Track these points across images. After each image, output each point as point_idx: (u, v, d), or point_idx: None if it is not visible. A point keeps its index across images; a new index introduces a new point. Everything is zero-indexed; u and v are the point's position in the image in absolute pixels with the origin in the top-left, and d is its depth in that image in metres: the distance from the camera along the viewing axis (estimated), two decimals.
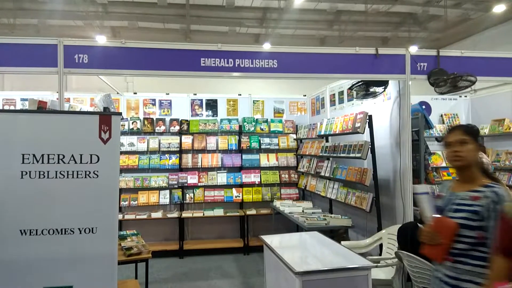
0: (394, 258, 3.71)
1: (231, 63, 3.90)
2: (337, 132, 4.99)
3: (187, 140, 6.54)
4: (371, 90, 4.63)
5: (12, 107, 6.15)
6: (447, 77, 4.19)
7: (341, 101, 5.69)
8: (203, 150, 6.59)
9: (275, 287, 3.39)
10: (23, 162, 3.19)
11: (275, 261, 3.23)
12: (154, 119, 6.53)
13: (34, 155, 3.20)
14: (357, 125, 4.48)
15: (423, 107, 5.56)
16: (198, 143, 6.55)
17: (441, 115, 6.28)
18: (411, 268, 3.11)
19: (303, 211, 5.17)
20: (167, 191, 6.37)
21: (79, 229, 3.21)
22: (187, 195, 6.39)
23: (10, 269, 3.12)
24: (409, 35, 9.15)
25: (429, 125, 4.62)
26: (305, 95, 7.09)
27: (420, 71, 4.36)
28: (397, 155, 4.37)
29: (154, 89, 6.95)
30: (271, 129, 6.73)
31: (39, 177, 3.18)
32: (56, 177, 3.18)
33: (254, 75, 3.98)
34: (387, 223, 4.35)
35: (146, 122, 6.44)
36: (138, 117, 6.48)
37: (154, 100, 6.72)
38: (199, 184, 6.44)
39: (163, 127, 6.50)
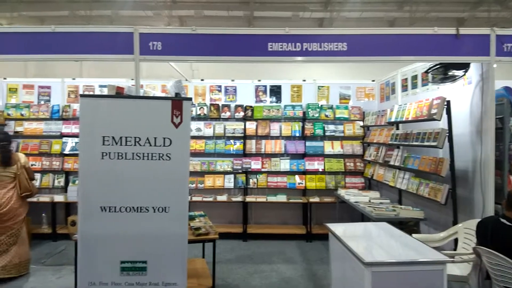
0: (471, 254, 3.47)
1: (298, 47, 3.82)
2: (409, 119, 4.70)
3: (251, 126, 6.60)
4: (450, 73, 4.28)
5: (91, 93, 6.62)
6: None
7: (414, 86, 5.35)
8: (267, 136, 6.61)
9: (341, 276, 3.33)
10: (103, 144, 3.42)
11: (342, 250, 3.15)
12: (220, 105, 6.66)
13: (113, 138, 3.41)
14: (433, 111, 4.19)
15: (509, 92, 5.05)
16: (261, 129, 6.58)
17: None
18: (491, 266, 2.87)
19: (369, 201, 5.00)
20: (232, 176, 6.51)
21: (153, 208, 3.40)
22: (251, 180, 6.48)
23: (92, 242, 3.39)
24: (488, 15, 8.29)
25: None
26: (373, 80, 6.77)
27: (507, 52, 3.94)
28: (478, 144, 4.02)
29: (219, 76, 7.07)
30: (336, 116, 6.55)
31: (118, 158, 3.39)
32: (132, 159, 3.38)
33: (322, 59, 3.86)
34: (463, 217, 4.05)
35: (212, 108, 6.60)
36: (205, 103, 6.65)
37: (220, 86, 6.85)
38: (262, 169, 6.49)
39: (228, 113, 6.62)
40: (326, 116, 6.51)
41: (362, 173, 6.44)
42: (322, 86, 6.78)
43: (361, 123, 6.57)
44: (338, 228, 3.47)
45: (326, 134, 6.52)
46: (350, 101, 6.76)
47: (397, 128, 5.44)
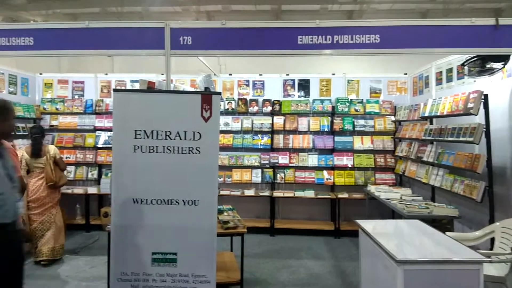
0: (509, 254, 3.34)
1: (329, 40, 3.75)
2: (444, 114, 4.54)
3: (278, 121, 6.57)
4: (488, 66, 4.10)
5: (123, 88, 6.77)
6: None
7: (449, 79, 5.16)
8: (295, 131, 6.56)
9: (371, 273, 3.27)
10: (135, 138, 3.48)
11: (372, 247, 3.09)
12: (248, 99, 6.67)
13: (145, 131, 3.47)
14: (470, 105, 4.02)
15: None
16: (289, 123, 6.54)
17: None
18: None
19: (401, 197, 4.88)
20: (259, 170, 6.51)
21: (183, 200, 3.44)
22: (278, 175, 6.46)
23: (124, 234, 3.47)
24: None
25: None
26: (406, 74, 6.58)
27: None
28: None
29: (246, 71, 7.07)
30: (367, 110, 6.42)
31: (149, 152, 3.44)
32: (163, 152, 3.42)
33: (354, 51, 3.77)
34: (500, 216, 3.88)
35: (240, 103, 6.61)
36: (233, 98, 6.67)
37: (247, 81, 6.85)
38: (290, 164, 6.45)
39: (256, 108, 6.61)
40: (356, 110, 6.39)
41: (393, 169, 6.29)
42: (352, 80, 6.65)
43: (392, 118, 6.41)
44: (368, 225, 3.40)
45: (356, 129, 6.40)
46: (381, 95, 6.60)
47: (431, 123, 5.27)
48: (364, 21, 3.84)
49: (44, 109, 6.84)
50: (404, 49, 3.83)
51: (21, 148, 5.23)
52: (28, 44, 4.05)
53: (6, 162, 2.54)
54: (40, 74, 7.10)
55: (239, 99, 6.65)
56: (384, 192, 5.19)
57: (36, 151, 4.88)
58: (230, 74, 6.92)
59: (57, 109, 6.82)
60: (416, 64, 6.17)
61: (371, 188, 5.56)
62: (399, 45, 3.79)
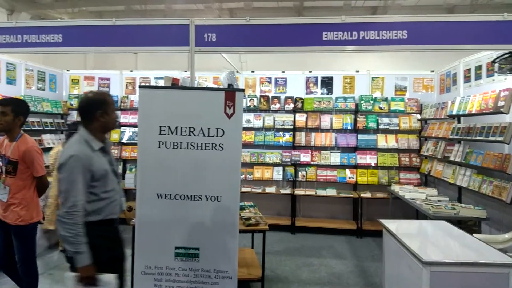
0: None
1: (354, 36, 3.69)
2: (473, 112, 4.40)
3: (301, 118, 6.53)
4: None
5: (148, 84, 6.87)
6: None
7: (478, 77, 4.99)
8: (317, 129, 6.50)
9: (395, 274, 3.21)
10: (160, 133, 3.52)
11: (397, 247, 3.04)
12: (270, 96, 6.65)
13: (169, 127, 3.51)
14: (500, 104, 3.88)
15: None
16: (311, 121, 6.48)
17: None
18: None
19: (426, 198, 4.77)
20: (281, 168, 6.49)
21: (205, 196, 3.46)
22: (300, 173, 6.43)
23: (148, 228, 3.52)
24: None
25: None
26: (432, 71, 6.41)
27: None
28: None
29: (267, 68, 7.04)
30: (391, 108, 6.29)
31: (173, 148, 3.48)
32: (187, 148, 3.45)
33: (380, 48, 3.69)
34: None
35: (262, 100, 6.61)
36: (255, 95, 6.67)
37: (270, 78, 6.83)
38: (312, 162, 6.40)
39: (278, 105, 6.59)
40: (380, 108, 6.28)
41: (418, 169, 6.15)
42: (377, 77, 6.53)
43: (418, 116, 6.26)
44: (392, 225, 3.35)
45: (380, 127, 6.28)
46: (407, 93, 6.46)
47: (459, 122, 5.12)
48: (391, 17, 3.76)
49: (71, 105, 7.02)
50: (432, 45, 3.72)
51: (59, 143, 5.38)
52: (57, 41, 4.15)
53: (112, 158, 2.55)
54: (67, 70, 7.29)
55: (261, 96, 6.64)
56: (409, 192, 5.08)
57: None
58: (253, 71, 6.92)
59: None
60: (443, 61, 6.00)
61: (395, 188, 5.45)
62: (427, 41, 3.69)
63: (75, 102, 7.00)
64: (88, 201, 2.28)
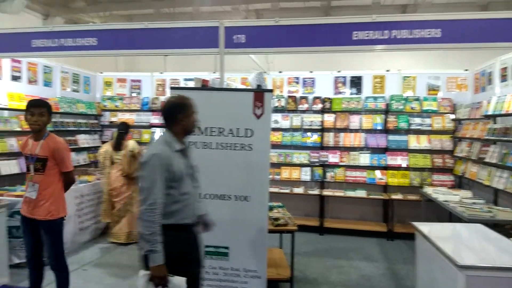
0: None
1: (386, 35, 3.62)
2: (510, 112, 4.23)
3: (329, 118, 6.46)
4: None
5: (178, 86, 6.99)
6: None
7: None
8: (345, 129, 6.42)
9: (428, 278, 3.13)
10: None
11: (430, 250, 2.96)
12: (297, 97, 6.62)
13: (199, 128, 3.58)
14: None
15: None
16: (340, 121, 6.41)
17: None
18: None
19: (461, 200, 4.62)
20: (308, 168, 6.45)
21: (235, 196, 3.50)
22: (328, 174, 6.36)
23: None
24: None
25: None
26: (467, 70, 6.20)
27: None
28: None
29: (294, 68, 7.02)
30: (423, 108, 6.13)
31: (203, 148, 3.54)
32: (217, 148, 3.50)
33: (412, 47, 3.61)
34: None
35: (289, 100, 6.59)
36: (283, 95, 6.66)
37: (297, 78, 6.81)
38: (340, 163, 6.33)
39: (306, 105, 6.56)
40: (412, 108, 6.13)
41: (451, 170, 5.96)
42: (408, 77, 6.38)
43: (451, 116, 6.06)
44: (425, 228, 3.27)
45: (412, 127, 6.13)
46: (440, 92, 6.26)
47: (495, 122, 4.93)
48: (424, 15, 3.66)
49: (105, 106, 7.25)
50: (467, 44, 3.60)
51: (107, 142, 5.70)
52: (92, 44, 4.29)
53: (191, 163, 2.56)
54: (101, 73, 7.53)
55: (288, 96, 6.62)
56: (442, 194, 4.93)
57: (117, 145, 5.41)
58: (280, 72, 6.91)
59: (116, 106, 7.20)
60: (477, 60, 5.78)
61: (428, 190, 5.31)
62: (462, 40, 3.57)
63: (108, 104, 7.23)
64: (164, 203, 2.28)
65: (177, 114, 2.43)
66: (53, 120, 5.99)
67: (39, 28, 5.13)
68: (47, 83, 6.20)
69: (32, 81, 5.84)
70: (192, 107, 2.49)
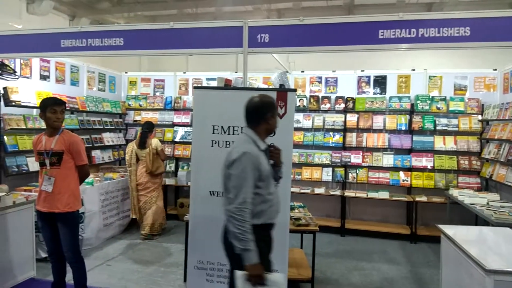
0: None
1: (413, 33, 3.54)
2: None
3: (352, 118, 6.39)
4: None
5: (202, 85, 7.06)
6: None
7: None
8: (369, 129, 6.33)
9: (453, 282, 3.06)
10: (213, 133, 3.63)
11: (456, 254, 2.90)
12: (320, 96, 6.58)
13: (222, 127, 3.60)
14: None
15: None
16: (363, 121, 6.33)
17: None
18: None
19: (488, 203, 4.48)
20: (330, 169, 6.39)
21: None
22: (350, 174, 6.29)
23: (201, 224, 3.63)
24: None
25: None
26: (495, 69, 6.01)
27: None
28: None
29: (316, 67, 6.96)
30: (450, 109, 5.98)
31: (225, 146, 3.56)
32: None
33: (440, 45, 3.51)
34: None
35: (312, 100, 6.55)
36: (305, 95, 6.63)
37: (320, 77, 6.76)
38: (363, 164, 6.24)
39: (328, 105, 6.50)
40: (438, 108, 5.99)
41: (478, 173, 5.80)
42: (434, 76, 6.24)
43: (479, 117, 5.89)
44: (450, 231, 3.19)
45: (437, 128, 5.99)
46: (467, 93, 6.10)
47: None
48: (453, 13, 3.57)
49: (129, 105, 7.40)
50: (497, 42, 3.48)
51: (132, 141, 6.02)
52: (118, 45, 4.38)
53: (269, 162, 2.50)
54: (126, 72, 7.68)
55: (310, 96, 6.59)
56: (468, 196, 4.80)
57: (142, 143, 5.67)
58: (302, 71, 6.88)
59: (140, 105, 7.33)
60: (506, 59, 5.60)
61: (454, 192, 5.17)
62: (492, 38, 3.46)
63: (132, 103, 7.37)
64: (252, 203, 2.27)
65: (267, 113, 2.42)
66: (80, 118, 6.16)
67: (68, 29, 5.29)
68: (74, 82, 6.37)
69: (59, 80, 6.02)
70: (276, 108, 2.51)
